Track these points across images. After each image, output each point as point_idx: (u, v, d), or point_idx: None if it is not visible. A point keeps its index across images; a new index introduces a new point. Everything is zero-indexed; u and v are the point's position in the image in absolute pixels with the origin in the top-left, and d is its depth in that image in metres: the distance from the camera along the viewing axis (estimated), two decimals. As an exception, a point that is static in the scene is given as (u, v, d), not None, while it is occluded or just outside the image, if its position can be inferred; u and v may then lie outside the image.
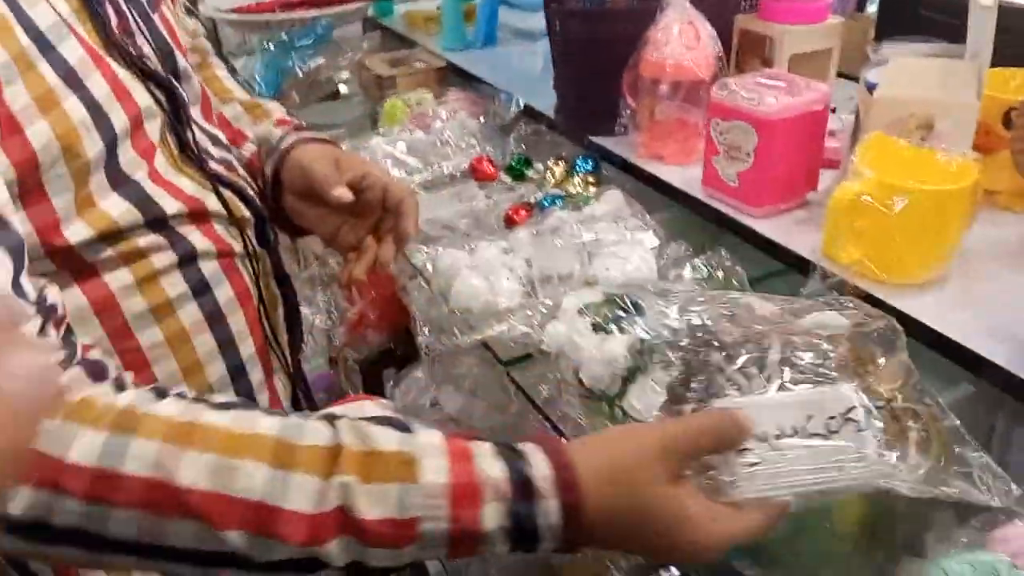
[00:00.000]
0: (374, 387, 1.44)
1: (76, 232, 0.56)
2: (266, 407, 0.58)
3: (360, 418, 0.52)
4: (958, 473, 0.60)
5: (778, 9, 1.03)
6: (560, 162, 1.16)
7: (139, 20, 0.65)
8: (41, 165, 0.53)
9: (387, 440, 0.49)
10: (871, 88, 0.85)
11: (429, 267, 0.96)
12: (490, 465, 0.49)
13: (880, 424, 0.61)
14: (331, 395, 1.80)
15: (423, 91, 1.39)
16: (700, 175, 0.99)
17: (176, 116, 0.66)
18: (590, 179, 1.13)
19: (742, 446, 0.55)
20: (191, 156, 0.67)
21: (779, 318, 0.71)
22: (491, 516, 0.48)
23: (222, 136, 0.77)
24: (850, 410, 0.62)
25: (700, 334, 0.69)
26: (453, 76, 1.48)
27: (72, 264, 0.57)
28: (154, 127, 0.63)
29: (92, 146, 0.56)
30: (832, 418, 0.61)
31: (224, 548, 0.46)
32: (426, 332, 0.96)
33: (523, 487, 0.49)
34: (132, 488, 0.45)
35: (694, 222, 1.02)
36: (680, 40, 1.00)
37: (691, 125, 1.05)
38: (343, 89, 1.53)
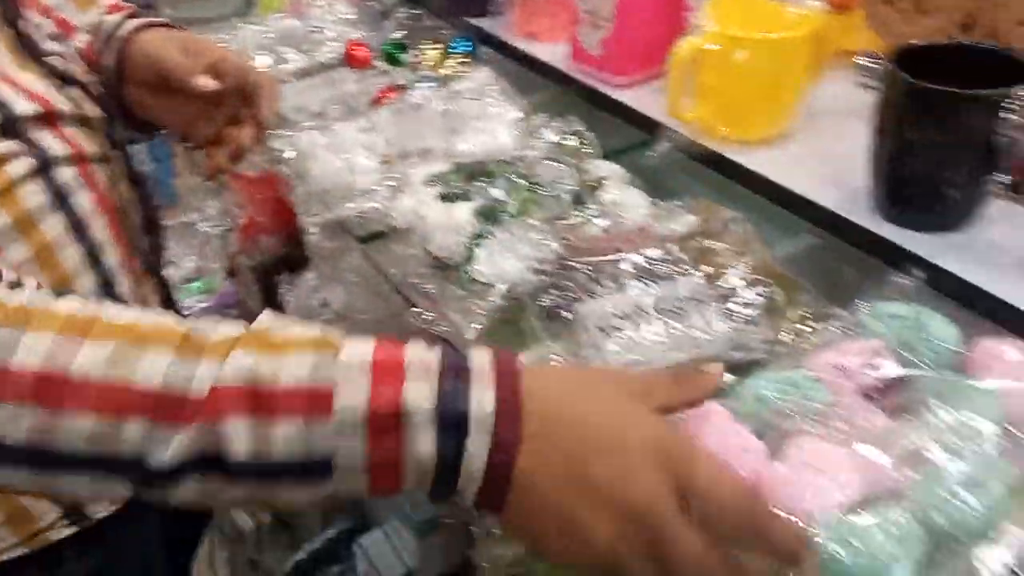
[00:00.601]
0: (269, 293, 1.42)
1: None
2: None
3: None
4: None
5: None
6: (436, 45, 1.13)
7: None
8: None
9: (304, 329, 0.43)
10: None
11: (288, 152, 0.93)
12: (421, 347, 0.42)
13: (735, 302, 0.63)
14: (238, 308, 1.77)
15: (300, -19, 1.33)
16: (568, 50, 0.97)
17: (4, 4, 0.61)
18: (465, 61, 1.10)
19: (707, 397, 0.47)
20: (30, 51, 0.63)
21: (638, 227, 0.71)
22: (415, 393, 0.39)
23: (53, 26, 0.72)
24: (699, 293, 0.63)
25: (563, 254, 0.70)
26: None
27: None
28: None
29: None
30: (680, 300, 0.63)
31: (120, 449, 0.40)
32: (314, 232, 0.94)
33: (455, 367, 0.41)
34: (20, 383, 0.39)
35: (568, 100, 1.00)
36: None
37: (562, 1, 1.02)
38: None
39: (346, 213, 0.83)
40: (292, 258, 1.39)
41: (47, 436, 0.39)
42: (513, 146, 0.87)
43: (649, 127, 0.87)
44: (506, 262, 0.71)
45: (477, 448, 0.39)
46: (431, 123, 0.90)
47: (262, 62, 1.12)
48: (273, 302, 1.40)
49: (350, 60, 1.15)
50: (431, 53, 1.12)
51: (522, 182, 0.77)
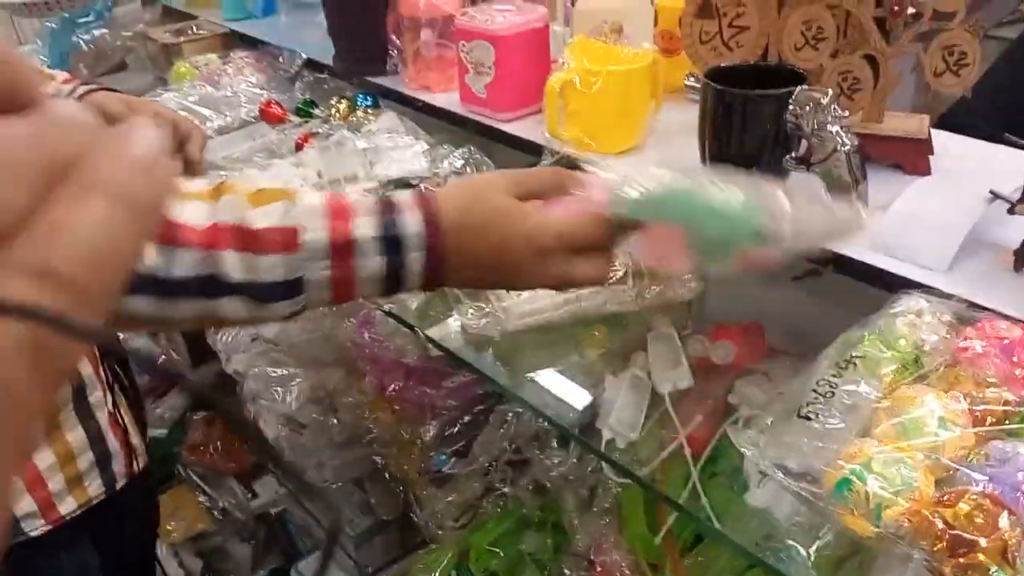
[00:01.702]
0: (196, 344, 1.52)
1: None
2: None
3: None
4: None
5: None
6: (343, 100, 1.31)
7: None
8: None
9: (265, 182, 0.59)
10: (574, 3, 1.07)
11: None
12: (362, 196, 0.58)
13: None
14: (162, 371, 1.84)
15: (209, 55, 1.49)
16: (458, 95, 1.17)
17: None
18: (370, 112, 1.29)
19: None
20: None
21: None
22: (362, 226, 0.55)
23: None
24: None
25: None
26: (237, 41, 1.59)
27: None
28: None
29: None
30: None
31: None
32: None
33: (388, 204, 0.56)
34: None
35: (461, 135, 1.21)
36: (428, -18, 1.18)
37: (448, 56, 1.23)
38: (130, 60, 1.59)
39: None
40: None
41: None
42: (425, 170, 1.06)
43: (532, 149, 1.08)
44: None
45: (415, 256, 0.55)
46: (353, 156, 1.08)
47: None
48: (200, 351, 1.50)
49: (266, 117, 1.31)
50: (340, 107, 1.30)
51: (438, 191, 0.96)
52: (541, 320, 0.80)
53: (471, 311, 0.79)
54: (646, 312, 0.85)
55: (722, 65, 0.90)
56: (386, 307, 0.88)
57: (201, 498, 1.74)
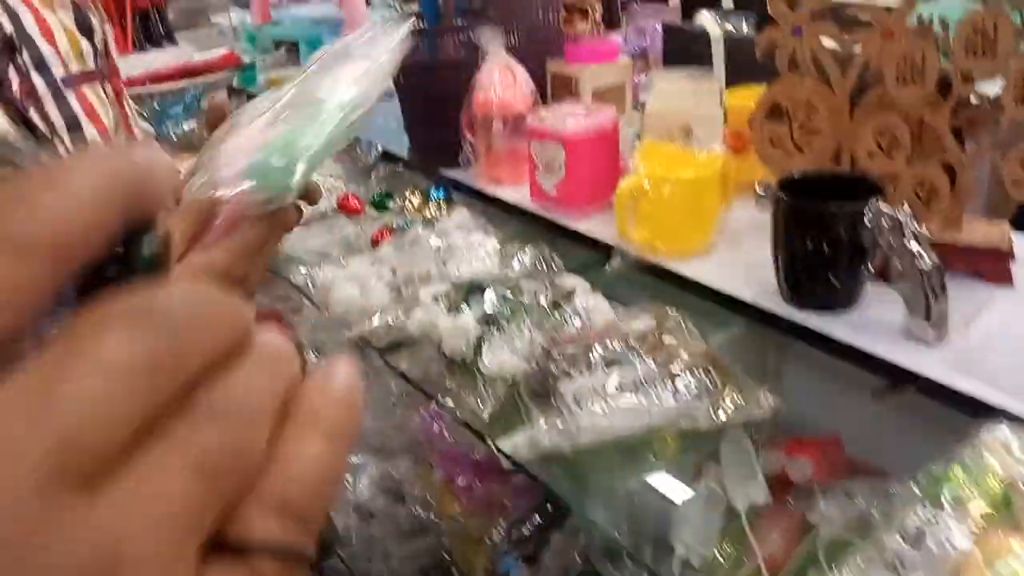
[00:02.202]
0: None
1: None
2: None
3: None
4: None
5: (578, 53, 1.28)
6: (416, 193, 1.36)
7: (51, 90, 0.80)
8: None
9: None
10: (644, 107, 1.09)
11: (309, 284, 1.12)
12: None
13: (680, 382, 0.83)
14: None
15: (291, 146, 1.56)
16: (528, 190, 1.20)
17: None
18: (443, 205, 1.33)
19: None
20: None
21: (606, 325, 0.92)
22: None
23: None
24: (653, 375, 0.84)
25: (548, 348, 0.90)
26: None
27: None
28: None
29: None
30: (639, 380, 0.83)
31: None
32: (313, 357, 1.12)
33: None
34: None
35: (530, 228, 1.23)
36: (501, 83, 1.22)
37: (519, 151, 1.27)
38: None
39: (368, 329, 1.02)
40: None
41: None
42: (496, 269, 1.08)
43: (602, 248, 1.09)
44: (505, 356, 0.91)
45: None
46: (427, 254, 1.11)
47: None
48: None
49: (343, 209, 1.37)
50: (414, 200, 1.34)
51: (511, 295, 0.98)
52: (613, 435, 0.80)
53: (543, 422, 0.80)
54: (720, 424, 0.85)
55: (793, 174, 0.90)
56: (457, 412, 0.90)
57: None
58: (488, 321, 0.94)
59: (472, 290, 0.99)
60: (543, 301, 0.97)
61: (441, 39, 1.32)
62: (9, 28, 0.77)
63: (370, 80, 0.60)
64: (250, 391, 0.18)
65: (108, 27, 0.98)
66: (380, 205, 1.36)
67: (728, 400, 0.80)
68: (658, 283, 1.01)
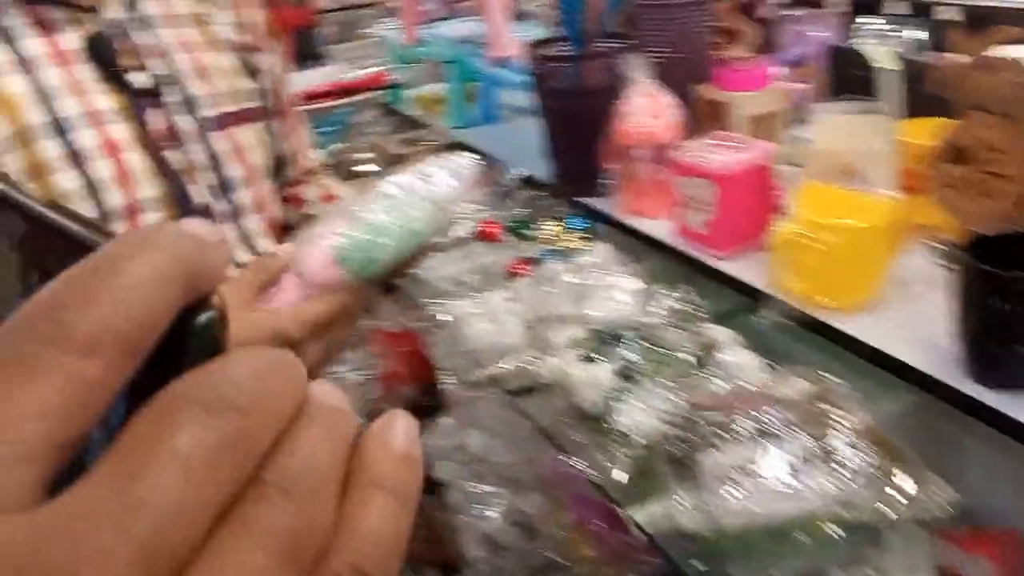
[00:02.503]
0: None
1: None
2: None
3: None
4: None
5: (729, 78, 1.20)
6: (555, 222, 1.32)
7: (196, 130, 0.81)
8: None
9: None
10: (805, 142, 1.00)
11: (444, 317, 1.11)
12: None
13: (840, 462, 0.75)
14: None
15: (433, 167, 1.57)
16: (673, 225, 1.14)
17: (186, 215, 0.81)
18: (582, 235, 1.29)
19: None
20: None
21: (755, 390, 0.85)
22: None
23: (264, 247, 0.88)
24: (808, 453, 0.76)
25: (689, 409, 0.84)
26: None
27: None
28: (154, 217, 0.78)
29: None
30: (791, 458, 0.76)
31: None
32: (450, 381, 1.11)
33: None
34: None
35: (672, 266, 1.17)
36: (646, 111, 1.16)
37: (663, 183, 1.20)
38: (365, 168, 1.71)
39: (499, 370, 0.99)
40: (429, 406, 1.56)
41: None
42: (636, 312, 1.03)
43: (751, 293, 1.02)
44: (641, 415, 0.86)
45: None
46: (563, 293, 1.08)
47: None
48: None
49: (482, 236, 1.35)
50: (552, 229, 1.31)
51: (650, 346, 0.92)
52: (760, 520, 0.73)
53: (681, 496, 0.74)
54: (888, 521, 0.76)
55: (979, 233, 0.80)
56: (588, 471, 0.86)
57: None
58: (624, 374, 0.89)
59: (608, 338, 0.94)
60: (685, 354, 0.91)
61: (584, 64, 1.27)
62: (160, 70, 0.79)
63: (441, 212, 0.67)
64: (316, 459, 0.18)
65: (282, 65, 0.99)
66: (518, 232, 1.34)
67: (896, 488, 0.71)
68: (815, 340, 0.93)
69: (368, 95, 1.84)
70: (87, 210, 0.72)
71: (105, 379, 0.17)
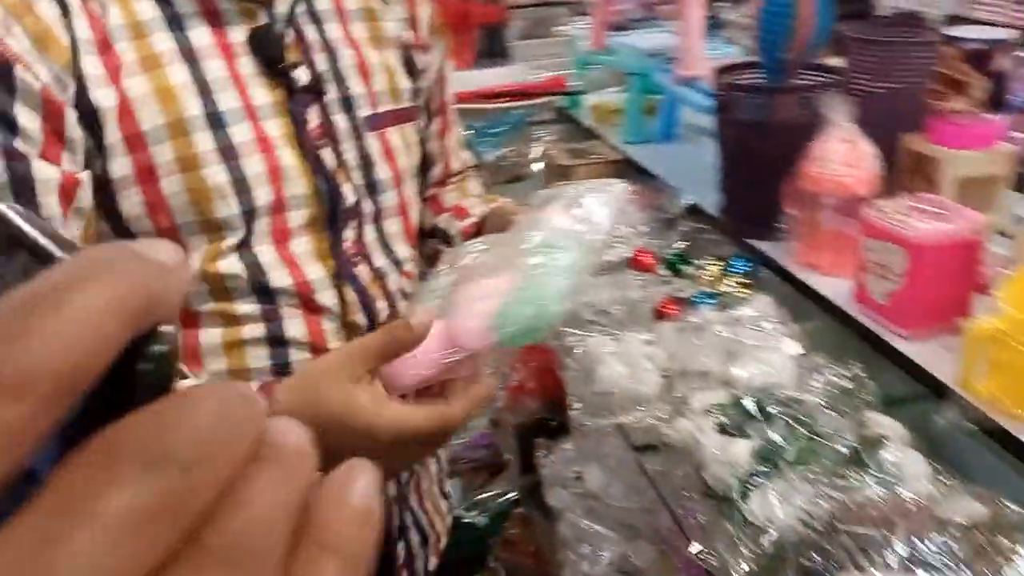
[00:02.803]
0: (527, 452, 1.54)
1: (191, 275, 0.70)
2: None
3: None
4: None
5: (946, 132, 1.05)
6: (718, 261, 1.22)
7: (352, 130, 0.78)
8: (172, 210, 0.68)
9: None
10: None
11: (578, 349, 1.05)
12: None
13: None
14: (489, 451, 1.92)
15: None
16: (851, 288, 1.01)
17: (333, 214, 0.77)
18: (744, 280, 1.18)
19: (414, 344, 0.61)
20: (335, 252, 0.77)
21: (918, 505, 0.72)
22: None
23: (401, 251, 0.85)
24: None
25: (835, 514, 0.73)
26: (627, 169, 1.59)
27: (183, 306, 0.69)
28: (301, 214, 0.74)
29: (224, 209, 0.69)
30: None
31: None
32: (577, 407, 1.05)
33: None
34: None
35: (842, 334, 1.04)
36: (841, 157, 1.04)
37: (848, 239, 1.07)
38: (528, 174, 1.68)
39: (627, 420, 0.92)
40: (553, 425, 1.51)
41: None
42: (790, 383, 0.92)
43: (932, 385, 0.88)
44: (777, 508, 0.76)
45: None
46: (711, 346, 0.98)
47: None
48: (528, 460, 1.51)
49: (635, 264, 1.27)
50: (712, 269, 1.21)
51: (801, 429, 0.82)
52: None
53: None
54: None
55: None
56: (708, 559, 0.77)
57: (502, 597, 1.75)
58: (765, 456, 0.79)
59: (753, 412, 0.84)
60: (841, 445, 0.80)
61: (778, 96, 1.16)
62: (323, 67, 0.77)
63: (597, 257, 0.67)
64: (264, 520, 0.17)
65: (448, 64, 0.96)
66: (675, 267, 1.24)
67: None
68: (1001, 455, 0.79)
69: (545, 99, 1.80)
70: (233, 206, 0.70)
71: (31, 424, 0.15)
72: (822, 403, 0.86)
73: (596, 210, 0.71)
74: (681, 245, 1.30)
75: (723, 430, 0.83)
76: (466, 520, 1.82)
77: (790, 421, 0.83)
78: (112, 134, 0.66)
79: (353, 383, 0.60)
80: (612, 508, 1.23)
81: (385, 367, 0.61)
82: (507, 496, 1.79)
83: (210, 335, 0.73)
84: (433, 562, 0.97)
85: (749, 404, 0.85)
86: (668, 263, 1.26)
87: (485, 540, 1.77)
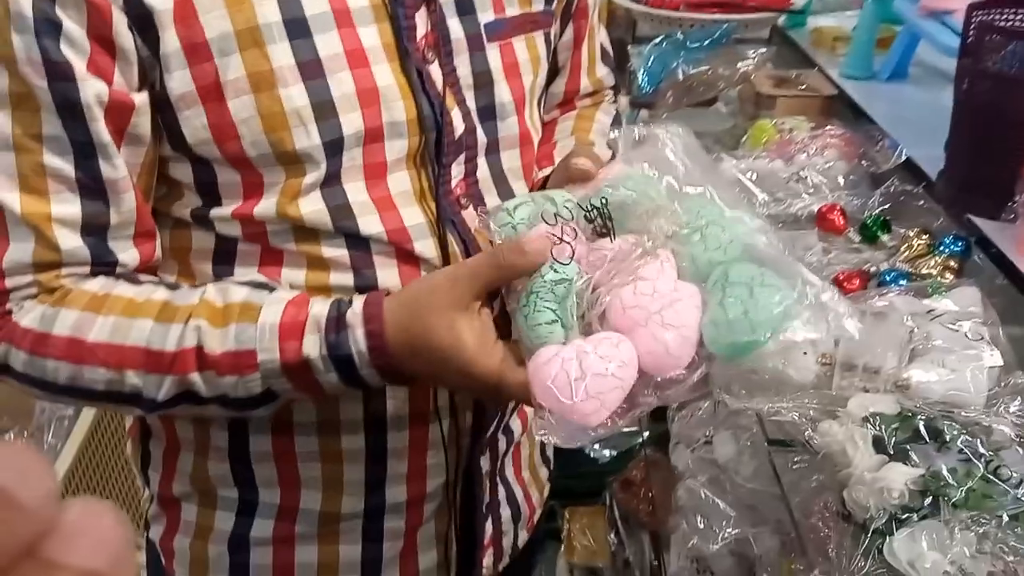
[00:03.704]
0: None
1: (267, 210, 0.61)
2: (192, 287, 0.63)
3: (238, 282, 0.62)
4: None
5: None
6: (924, 235, 1.03)
7: (468, 39, 0.65)
8: (242, 137, 0.58)
9: (238, 293, 0.60)
10: None
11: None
12: (319, 307, 0.59)
13: None
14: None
15: (800, 118, 1.31)
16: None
17: (439, 145, 0.64)
18: (951, 264, 0.98)
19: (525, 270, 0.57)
20: (439, 193, 0.65)
21: None
22: (311, 346, 0.58)
23: (517, 186, 0.73)
24: None
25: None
26: (839, 108, 1.37)
27: (262, 242, 0.63)
28: (399, 146, 0.63)
29: (303, 139, 0.58)
30: None
31: (126, 388, 0.59)
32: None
33: (336, 321, 0.58)
34: (57, 345, 0.59)
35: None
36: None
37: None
38: (724, 99, 1.50)
39: (765, 407, 0.79)
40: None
41: (76, 381, 0.60)
42: (980, 403, 0.75)
43: None
44: (926, 556, 0.62)
45: (368, 372, 0.59)
46: (890, 338, 0.82)
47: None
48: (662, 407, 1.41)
49: (821, 223, 1.10)
50: (915, 243, 1.02)
51: (979, 466, 0.66)
52: None
53: None
54: None
55: None
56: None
57: (611, 535, 1.70)
58: (926, 490, 0.65)
59: (925, 435, 0.69)
60: (1026, 494, 0.64)
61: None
62: None
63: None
64: None
65: None
66: (869, 234, 1.06)
67: None
68: None
69: (763, 15, 1.58)
70: (314, 135, 0.60)
71: None
72: (1015, 437, 0.70)
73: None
74: (882, 209, 1.10)
75: (879, 446, 0.69)
76: (591, 454, 1.76)
77: (968, 452, 0.67)
78: (169, 42, 0.55)
79: (459, 311, 0.56)
80: (736, 485, 1.12)
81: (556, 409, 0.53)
82: (636, 438, 1.71)
83: (292, 276, 0.64)
84: (523, 537, 0.89)
85: (920, 422, 0.69)
86: (863, 227, 1.07)
87: (604, 476, 1.71)
